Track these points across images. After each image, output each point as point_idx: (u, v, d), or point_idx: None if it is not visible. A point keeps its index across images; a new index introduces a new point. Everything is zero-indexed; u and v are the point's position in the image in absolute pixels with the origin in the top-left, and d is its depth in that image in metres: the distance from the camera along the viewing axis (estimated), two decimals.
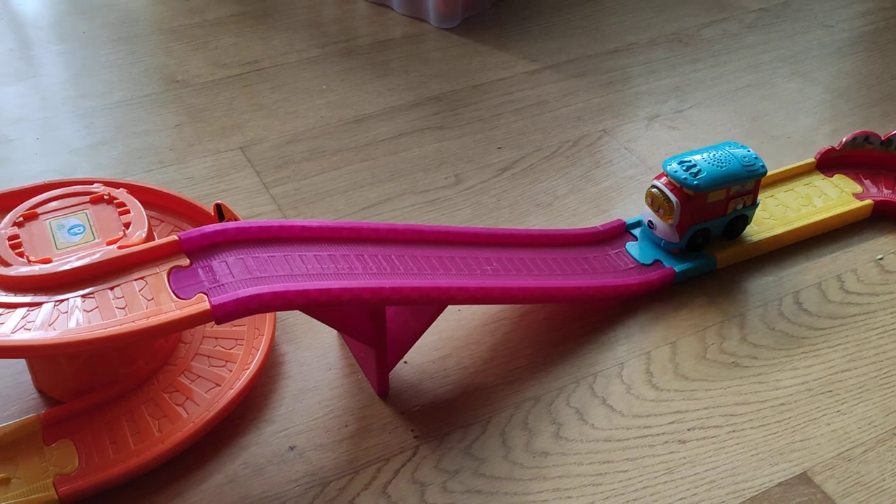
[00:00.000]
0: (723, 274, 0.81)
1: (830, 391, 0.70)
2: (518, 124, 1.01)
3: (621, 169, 0.95)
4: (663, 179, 0.78)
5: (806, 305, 0.78)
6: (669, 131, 1.01)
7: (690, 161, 0.77)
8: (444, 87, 1.07)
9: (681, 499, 0.63)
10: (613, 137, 0.99)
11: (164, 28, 1.18)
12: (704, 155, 0.77)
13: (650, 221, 0.79)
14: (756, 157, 0.78)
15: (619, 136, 1.00)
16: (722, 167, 0.76)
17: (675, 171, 0.76)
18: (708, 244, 0.80)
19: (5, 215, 0.68)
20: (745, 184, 0.78)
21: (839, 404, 0.69)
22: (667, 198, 0.77)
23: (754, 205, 0.80)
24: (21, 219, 0.67)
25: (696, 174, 0.75)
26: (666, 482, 0.64)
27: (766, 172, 0.78)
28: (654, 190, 0.78)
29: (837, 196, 0.88)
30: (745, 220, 0.81)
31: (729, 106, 1.05)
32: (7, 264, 0.63)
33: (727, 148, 0.79)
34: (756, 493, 0.63)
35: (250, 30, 1.18)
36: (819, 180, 0.90)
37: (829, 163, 0.92)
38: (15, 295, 0.60)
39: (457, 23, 1.19)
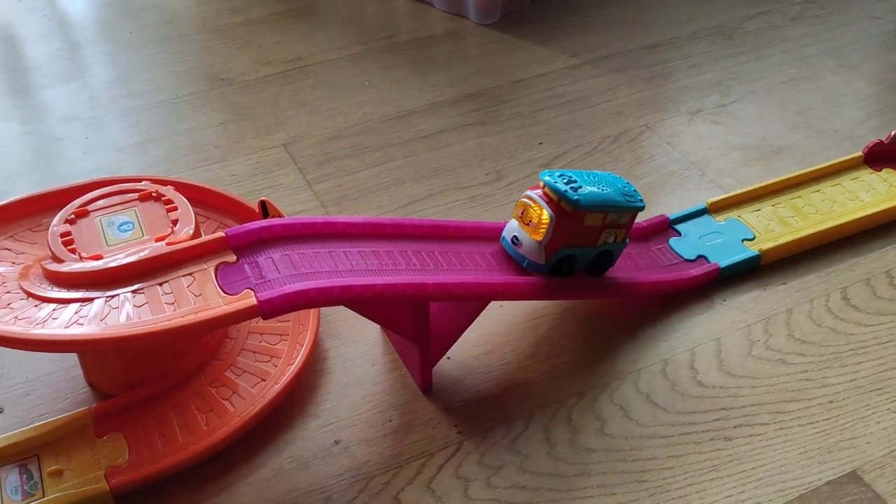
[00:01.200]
0: (768, 270, 0.80)
1: (881, 389, 0.69)
2: (559, 120, 1.01)
3: (663, 164, 0.94)
4: (539, 190, 0.68)
5: (854, 301, 0.77)
6: (712, 126, 1.00)
7: (572, 177, 0.67)
8: (484, 82, 1.07)
9: (727, 496, 0.62)
10: (655, 132, 0.99)
11: (209, 27, 1.19)
12: (586, 176, 0.69)
13: (515, 237, 0.69)
14: (636, 191, 0.70)
15: (661, 132, 0.99)
16: (603, 189, 0.68)
17: (555, 182, 0.66)
18: (571, 275, 0.70)
19: (57, 212, 0.69)
20: (622, 215, 0.69)
21: (889, 402, 0.68)
22: (541, 211, 0.67)
23: (623, 243, 0.71)
24: (73, 216, 0.68)
25: (576, 189, 0.66)
26: (712, 479, 0.63)
27: (643, 208, 0.69)
28: (526, 200, 0.68)
29: (886, 191, 0.87)
30: (610, 257, 0.71)
31: (773, 100, 1.03)
32: (60, 261, 0.64)
33: (605, 178, 0.70)
34: (804, 491, 0.63)
35: (293, 28, 1.19)
36: (867, 175, 0.89)
37: (876, 157, 0.90)
38: (68, 291, 0.61)
39: (496, 18, 1.19)
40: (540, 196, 0.67)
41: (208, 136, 0.99)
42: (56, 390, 0.70)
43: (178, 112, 1.03)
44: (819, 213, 0.84)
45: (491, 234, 0.73)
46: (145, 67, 1.11)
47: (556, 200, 0.66)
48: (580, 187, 0.66)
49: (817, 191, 0.87)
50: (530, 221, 0.68)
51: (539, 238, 0.67)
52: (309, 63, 1.11)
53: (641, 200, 0.70)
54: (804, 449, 0.65)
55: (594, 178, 0.69)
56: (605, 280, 0.73)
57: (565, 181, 0.67)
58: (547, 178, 0.67)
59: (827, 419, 0.67)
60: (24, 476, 0.62)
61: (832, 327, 0.75)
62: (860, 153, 0.90)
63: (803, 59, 1.10)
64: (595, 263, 0.71)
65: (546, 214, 0.66)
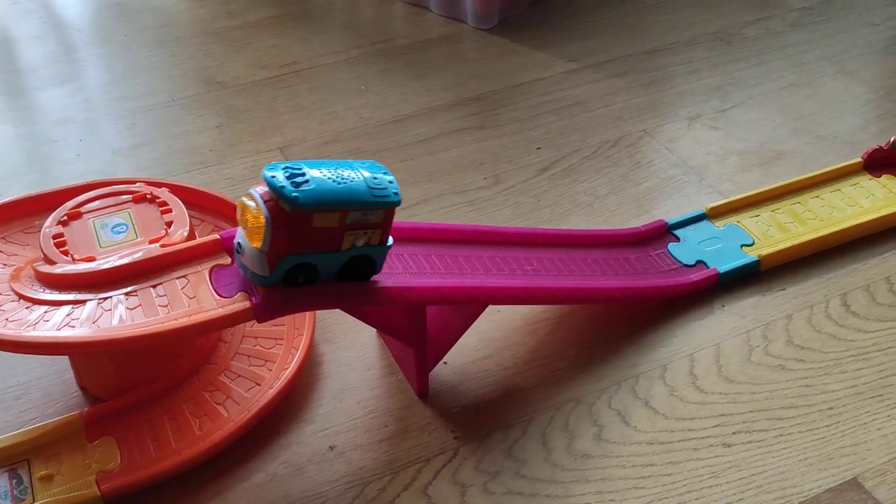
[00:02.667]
0: (767, 276, 0.80)
1: (881, 395, 0.69)
2: (557, 124, 1.00)
3: (662, 169, 0.94)
4: (261, 187, 0.56)
5: (854, 308, 0.77)
6: (711, 131, 0.99)
7: (300, 169, 0.56)
8: (482, 87, 1.07)
9: (726, 503, 0.61)
10: (654, 137, 0.98)
11: (205, 31, 1.19)
12: (325, 169, 0.57)
13: (238, 244, 0.58)
14: (391, 183, 0.58)
15: (660, 137, 0.98)
16: (340, 183, 0.56)
17: (274, 178, 0.55)
18: (314, 284, 0.59)
19: (50, 214, 0.68)
20: (370, 213, 0.57)
21: (890, 408, 0.68)
22: (258, 212, 0.56)
23: (383, 245, 0.60)
24: (65, 218, 0.68)
25: (300, 184, 0.55)
26: (711, 486, 0.63)
27: (398, 202, 0.58)
28: (245, 199, 0.57)
29: (885, 196, 0.86)
30: (369, 263, 0.60)
31: (772, 105, 1.03)
32: (52, 262, 0.63)
33: (361, 168, 0.59)
34: (804, 498, 0.62)
35: (289, 31, 1.18)
36: (866, 181, 0.89)
37: (876, 163, 0.90)
38: (60, 292, 0.60)
39: (494, 23, 1.19)
40: (261, 194, 0.56)
41: (204, 139, 0.98)
42: (47, 394, 0.70)
43: (174, 115, 1.03)
44: (818, 218, 0.84)
45: (490, 238, 0.72)
46: (140, 70, 1.11)
47: (275, 199, 0.55)
48: (305, 181, 0.55)
49: (817, 196, 0.87)
50: (247, 225, 0.57)
51: (258, 245, 0.56)
52: (305, 67, 1.11)
53: (396, 194, 0.58)
54: (804, 456, 0.65)
55: (340, 168, 0.58)
56: (602, 285, 0.73)
57: (288, 175, 0.55)
58: (268, 172, 0.56)
59: (827, 426, 0.67)
60: (14, 481, 0.61)
61: (832, 333, 0.74)
62: (859, 159, 0.90)
63: (802, 65, 1.10)
64: (346, 272, 0.59)
65: (262, 216, 0.55)
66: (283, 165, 0.56)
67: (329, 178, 0.56)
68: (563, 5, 1.24)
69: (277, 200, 0.55)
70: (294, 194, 0.54)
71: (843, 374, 0.71)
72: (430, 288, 0.63)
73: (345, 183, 0.56)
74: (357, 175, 0.58)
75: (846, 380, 0.70)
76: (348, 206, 0.56)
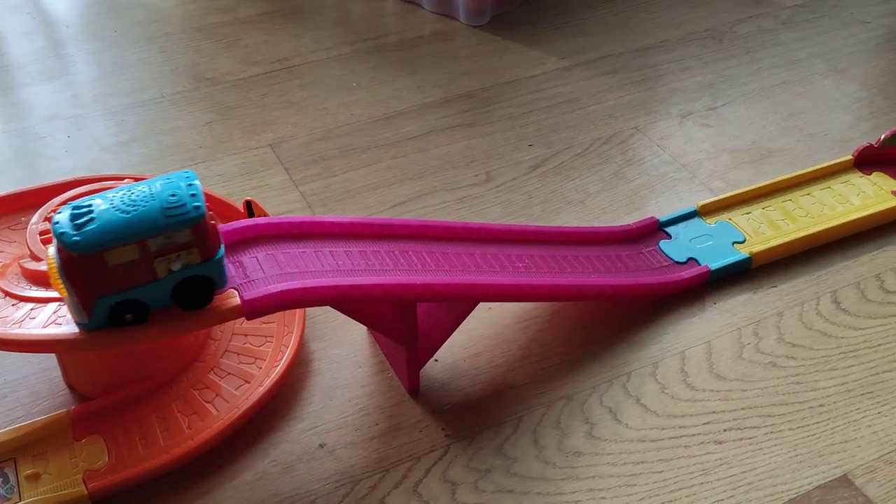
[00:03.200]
0: (758, 273, 0.80)
1: (871, 392, 0.69)
2: (549, 122, 1.00)
3: (654, 167, 0.93)
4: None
5: (844, 305, 0.77)
6: (702, 129, 0.99)
7: (89, 205, 0.52)
8: (474, 84, 1.06)
9: (717, 500, 0.61)
10: (646, 135, 0.98)
11: (195, 26, 1.18)
12: (123, 193, 0.53)
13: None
14: (193, 196, 0.53)
15: (652, 134, 0.98)
16: (130, 212, 0.52)
17: (57, 224, 0.51)
18: (146, 319, 0.55)
19: (37, 211, 0.68)
20: (173, 235, 0.53)
21: (880, 406, 0.68)
22: (51, 260, 0.52)
23: (212, 261, 0.55)
24: (52, 214, 0.67)
25: (82, 225, 0.51)
26: (702, 483, 0.62)
27: (199, 217, 0.53)
28: (48, 248, 0.53)
29: (876, 194, 0.86)
30: (204, 282, 0.56)
31: (764, 103, 1.03)
32: (39, 259, 0.63)
33: (160, 185, 0.54)
34: (795, 495, 0.62)
35: (280, 28, 1.18)
36: (857, 178, 0.89)
37: (867, 160, 0.90)
38: (46, 290, 0.60)
39: (486, 20, 1.18)
40: (55, 242, 0.52)
41: (194, 135, 0.98)
42: (34, 392, 0.69)
43: (164, 111, 1.02)
44: (809, 216, 0.84)
45: (481, 235, 0.72)
46: (130, 66, 1.10)
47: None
48: (89, 220, 0.51)
49: (807, 194, 0.87)
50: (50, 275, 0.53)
51: (64, 293, 0.53)
52: (296, 63, 1.10)
53: (197, 208, 0.53)
54: (795, 453, 0.65)
55: (133, 195, 0.53)
56: (593, 282, 0.73)
57: (71, 216, 0.52)
58: (56, 215, 0.52)
59: (818, 423, 0.67)
60: (1, 480, 0.61)
61: (823, 331, 0.74)
62: (850, 156, 0.90)
63: (794, 63, 1.10)
64: (181, 297, 0.55)
65: (53, 263, 0.52)
66: (72, 205, 0.52)
67: (117, 210, 0.52)
68: (555, 3, 1.24)
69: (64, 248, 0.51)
70: (74, 238, 0.51)
71: (833, 371, 0.71)
72: (419, 285, 0.63)
73: (134, 210, 0.52)
74: (151, 196, 0.53)
75: (837, 377, 0.70)
76: (141, 236, 0.52)
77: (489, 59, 1.11)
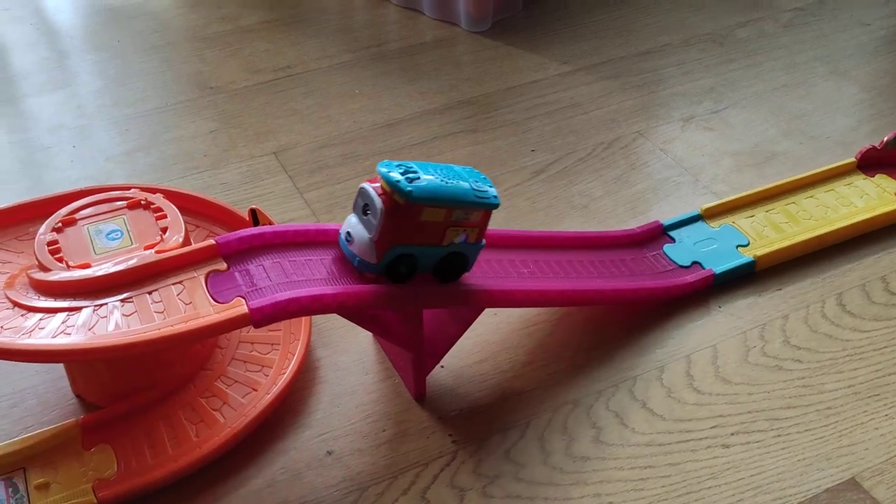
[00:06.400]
0: (763, 276, 0.80)
1: (878, 395, 0.69)
2: (551, 127, 1.00)
3: (657, 171, 0.94)
4: (377, 183, 0.62)
5: (850, 307, 0.77)
6: (705, 132, 0.99)
7: (412, 167, 0.61)
8: (476, 90, 1.07)
9: None
10: (648, 139, 0.98)
11: (198, 36, 1.19)
12: (433, 170, 0.62)
13: (348, 233, 0.63)
14: (491, 188, 0.63)
15: (654, 138, 0.98)
16: (447, 182, 0.61)
17: (388, 173, 0.60)
18: (412, 279, 0.63)
19: (44, 221, 0.68)
20: (471, 212, 0.62)
21: (887, 408, 0.68)
22: (371, 202, 0.61)
23: (478, 244, 0.64)
24: (60, 224, 0.67)
25: (412, 180, 0.60)
26: (710, 487, 0.63)
27: (497, 205, 0.63)
28: (361, 190, 0.62)
29: (879, 196, 0.87)
30: (463, 260, 0.64)
31: (765, 106, 1.03)
32: (47, 269, 0.63)
33: (464, 173, 0.64)
34: (803, 499, 0.62)
35: (283, 36, 1.18)
36: (860, 180, 0.89)
37: (870, 162, 0.90)
38: (55, 300, 0.60)
39: (488, 26, 1.19)
40: (374, 188, 0.61)
41: (198, 144, 0.98)
42: (43, 402, 0.69)
43: (168, 120, 1.02)
44: (813, 218, 0.84)
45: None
46: (134, 76, 1.10)
47: (390, 192, 0.60)
48: (417, 178, 0.60)
49: (811, 196, 0.87)
50: (367, 213, 0.61)
51: (370, 234, 0.61)
52: (299, 71, 1.11)
53: (496, 197, 0.63)
54: (802, 456, 0.65)
55: (444, 170, 0.62)
56: (598, 286, 0.73)
57: (402, 171, 0.60)
58: (383, 168, 0.61)
59: (825, 426, 0.67)
60: (10, 490, 0.61)
61: (828, 333, 0.74)
62: (853, 159, 0.90)
63: (795, 66, 1.10)
64: (443, 267, 0.64)
65: (376, 206, 0.60)
66: (396, 164, 0.61)
67: (438, 178, 0.61)
68: (556, 8, 1.24)
69: (392, 194, 0.60)
70: (408, 188, 0.59)
71: (839, 373, 0.71)
72: (424, 292, 0.63)
73: (452, 183, 0.61)
74: (461, 178, 0.62)
75: (843, 379, 0.70)
76: (454, 203, 0.61)
77: (491, 65, 1.11)
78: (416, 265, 0.63)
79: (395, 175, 0.60)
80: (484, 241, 0.65)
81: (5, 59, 1.15)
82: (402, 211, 0.60)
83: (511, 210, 0.88)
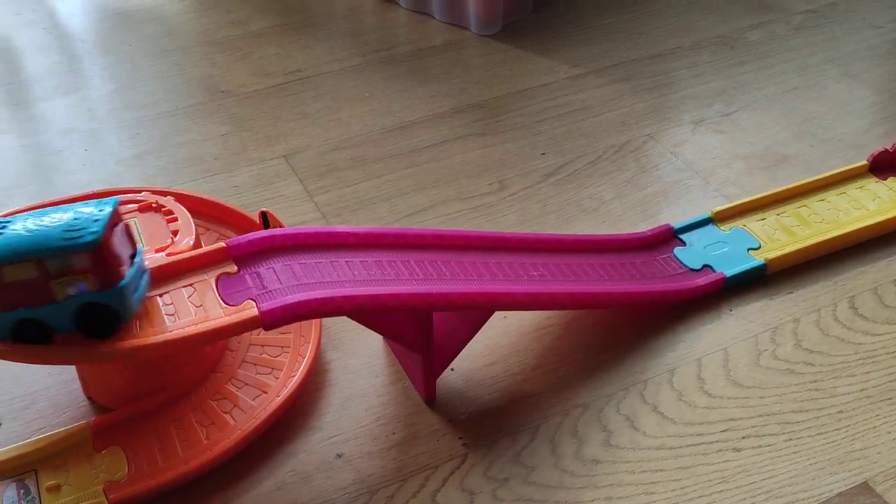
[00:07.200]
0: (774, 279, 0.79)
1: (890, 398, 0.68)
2: (561, 130, 1.00)
3: (667, 174, 0.93)
4: None
5: (862, 311, 0.76)
6: (716, 135, 0.99)
7: (9, 221, 0.55)
8: (486, 93, 1.07)
9: None
10: (659, 142, 0.98)
11: (208, 40, 1.19)
12: (44, 214, 0.55)
13: None
14: (96, 222, 0.54)
15: (665, 141, 0.98)
16: (33, 232, 0.53)
17: None
18: (50, 339, 0.55)
19: None
20: (70, 258, 0.53)
21: None
22: None
23: (113, 290, 0.54)
24: None
25: None
26: (721, 491, 0.62)
27: (89, 243, 0.53)
28: None
29: (891, 199, 0.86)
30: (104, 311, 0.55)
31: (777, 109, 1.03)
32: None
33: (78, 209, 0.55)
34: (815, 503, 0.61)
35: (292, 40, 1.18)
36: (872, 183, 0.88)
37: (882, 165, 0.90)
38: None
39: (497, 29, 1.19)
40: None
41: (209, 147, 0.99)
42: (55, 404, 0.69)
43: (178, 124, 1.03)
44: (824, 221, 0.84)
45: (496, 244, 0.72)
46: (144, 80, 1.11)
47: None
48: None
49: (822, 200, 0.86)
50: None
51: None
52: (309, 74, 1.11)
53: (93, 233, 0.53)
54: (814, 460, 0.64)
55: (56, 214, 0.55)
56: (609, 290, 0.73)
57: None
58: None
59: (837, 429, 0.66)
60: (22, 491, 0.61)
61: (840, 336, 0.74)
62: (865, 162, 0.90)
63: (806, 69, 1.10)
64: (83, 322, 0.55)
65: None
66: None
67: (25, 229, 0.54)
68: (566, 11, 1.24)
69: None
70: None
71: (852, 377, 0.70)
72: (435, 295, 0.63)
73: (38, 230, 0.53)
74: (61, 218, 0.54)
75: (855, 383, 0.70)
76: (35, 255, 0.53)
77: (501, 69, 1.11)
78: (48, 327, 0.55)
79: None
80: (126, 280, 0.55)
81: (17, 62, 1.16)
82: None
83: (521, 213, 0.88)
